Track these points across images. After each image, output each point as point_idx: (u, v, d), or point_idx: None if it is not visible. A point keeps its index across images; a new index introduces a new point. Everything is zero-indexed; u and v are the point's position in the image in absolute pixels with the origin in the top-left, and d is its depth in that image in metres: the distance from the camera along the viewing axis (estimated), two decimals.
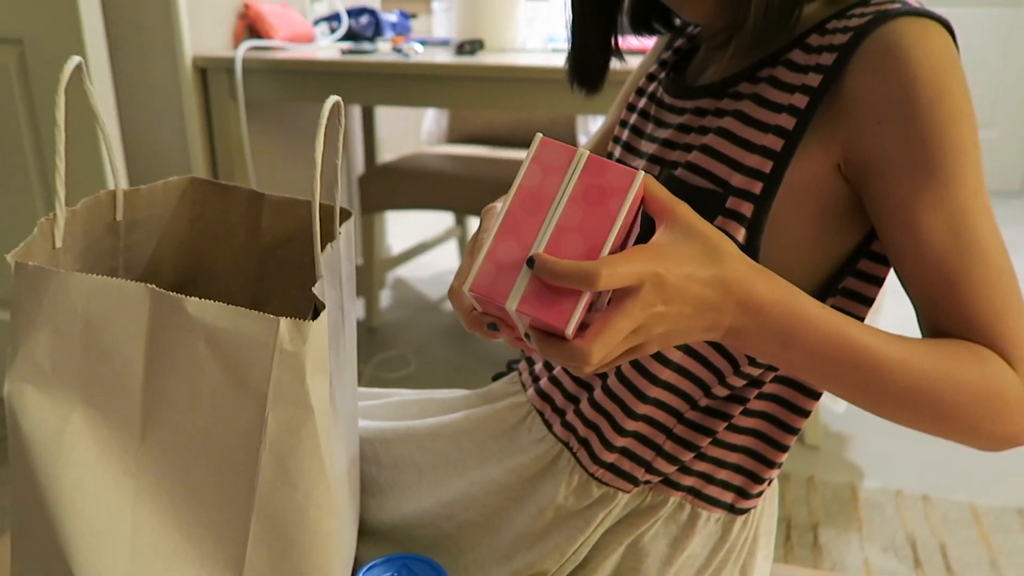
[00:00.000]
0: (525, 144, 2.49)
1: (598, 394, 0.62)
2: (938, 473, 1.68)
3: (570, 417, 0.64)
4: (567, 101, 1.58)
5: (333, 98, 0.49)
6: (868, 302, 0.58)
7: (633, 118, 0.69)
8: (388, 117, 3.10)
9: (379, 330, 2.33)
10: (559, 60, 1.63)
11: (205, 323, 0.42)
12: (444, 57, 1.72)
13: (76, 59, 0.47)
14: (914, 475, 1.67)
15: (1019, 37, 3.77)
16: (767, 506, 0.67)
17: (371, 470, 0.71)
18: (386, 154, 2.94)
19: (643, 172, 0.45)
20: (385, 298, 2.54)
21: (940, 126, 0.49)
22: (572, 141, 2.44)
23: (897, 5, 0.51)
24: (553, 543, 0.62)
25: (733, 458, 0.62)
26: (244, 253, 0.67)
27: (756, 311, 0.46)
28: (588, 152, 0.45)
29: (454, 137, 2.61)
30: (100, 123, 0.51)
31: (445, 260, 2.87)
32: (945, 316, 0.51)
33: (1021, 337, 0.50)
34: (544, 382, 0.67)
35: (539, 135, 0.45)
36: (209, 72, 1.80)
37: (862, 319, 0.57)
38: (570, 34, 0.66)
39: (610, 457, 0.61)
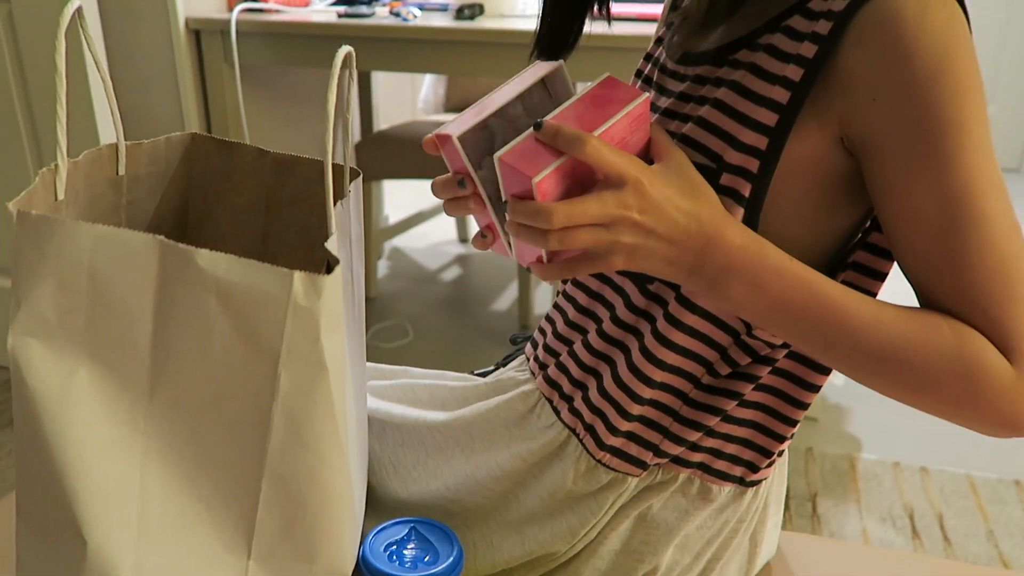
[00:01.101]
0: None
1: (607, 382, 0.61)
2: (936, 445, 1.69)
3: (577, 404, 0.63)
4: (568, 67, 1.56)
5: (345, 48, 0.47)
6: (881, 276, 0.56)
7: (639, 85, 0.67)
8: (385, 85, 3.05)
9: (376, 300, 2.31)
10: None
11: (216, 276, 0.40)
12: (443, 21, 1.68)
13: (77, 2, 0.45)
14: (912, 447, 1.68)
15: (1018, 12, 3.73)
16: (777, 475, 0.67)
17: (375, 446, 0.70)
18: (382, 123, 2.90)
19: (648, 94, 0.50)
20: (382, 268, 2.52)
21: (938, 104, 0.46)
22: None
23: None
24: (565, 524, 0.62)
25: (742, 432, 0.61)
26: (248, 212, 0.65)
27: (724, 251, 0.49)
28: (609, 74, 0.50)
29: (451, 106, 2.57)
30: (100, 72, 0.49)
31: (442, 230, 2.85)
32: (944, 299, 0.49)
33: (1016, 326, 0.47)
34: (552, 369, 0.66)
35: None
36: (203, 34, 1.76)
37: (874, 294, 0.56)
38: (541, 3, 0.63)
39: (615, 442, 0.61)
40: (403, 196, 3.03)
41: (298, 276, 0.40)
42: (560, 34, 0.64)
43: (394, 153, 2.13)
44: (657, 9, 1.54)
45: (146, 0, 1.71)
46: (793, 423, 0.61)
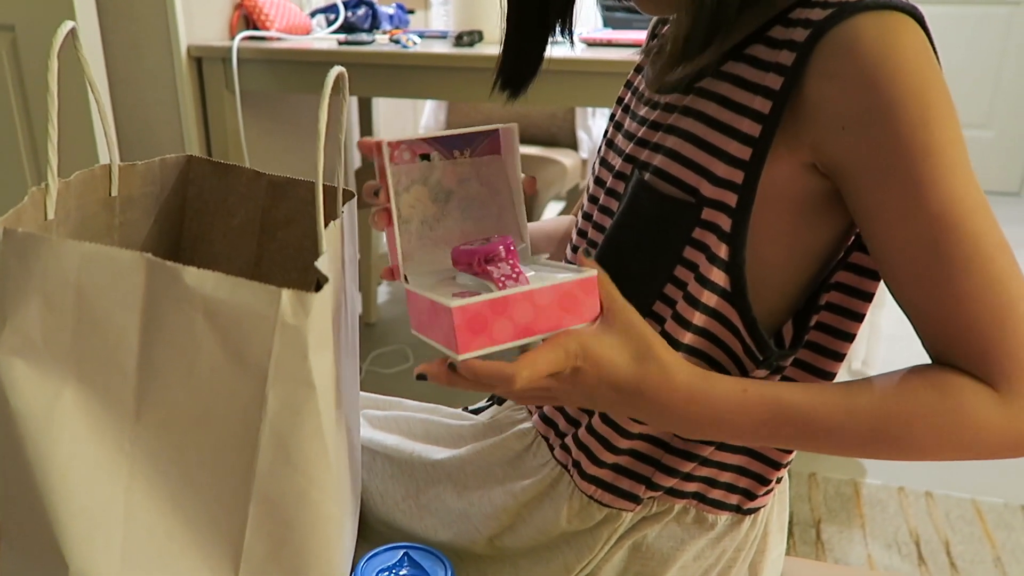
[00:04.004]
0: (523, 140, 2.47)
1: (595, 418, 0.60)
2: (940, 470, 1.67)
3: (569, 440, 0.62)
4: (565, 93, 1.57)
5: (337, 69, 0.47)
6: (867, 296, 0.55)
7: (619, 114, 0.66)
8: (386, 112, 3.08)
9: (376, 325, 2.31)
10: (558, 51, 1.61)
11: (204, 294, 0.40)
12: (442, 48, 1.70)
13: (69, 24, 0.45)
14: (916, 472, 1.66)
15: (1016, 36, 3.76)
16: (776, 504, 0.66)
17: (364, 475, 0.69)
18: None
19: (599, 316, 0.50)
20: (382, 293, 2.52)
21: (908, 130, 0.45)
22: (572, 139, 2.42)
23: None
24: (561, 560, 0.61)
25: (736, 460, 0.60)
26: (243, 234, 0.65)
27: (675, 412, 0.49)
28: (594, 274, 0.50)
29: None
30: (94, 92, 0.49)
31: None
32: (933, 326, 0.48)
33: (1009, 350, 0.46)
34: (548, 407, 0.65)
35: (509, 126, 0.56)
36: (204, 62, 1.78)
37: (862, 315, 0.55)
38: (505, 27, 0.64)
39: (600, 473, 0.60)
40: None
41: (286, 294, 0.40)
42: (522, 63, 0.64)
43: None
44: (632, 35, 1.56)
45: (149, 28, 1.73)
46: (788, 450, 0.60)
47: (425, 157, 0.56)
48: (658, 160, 0.55)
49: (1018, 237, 3.23)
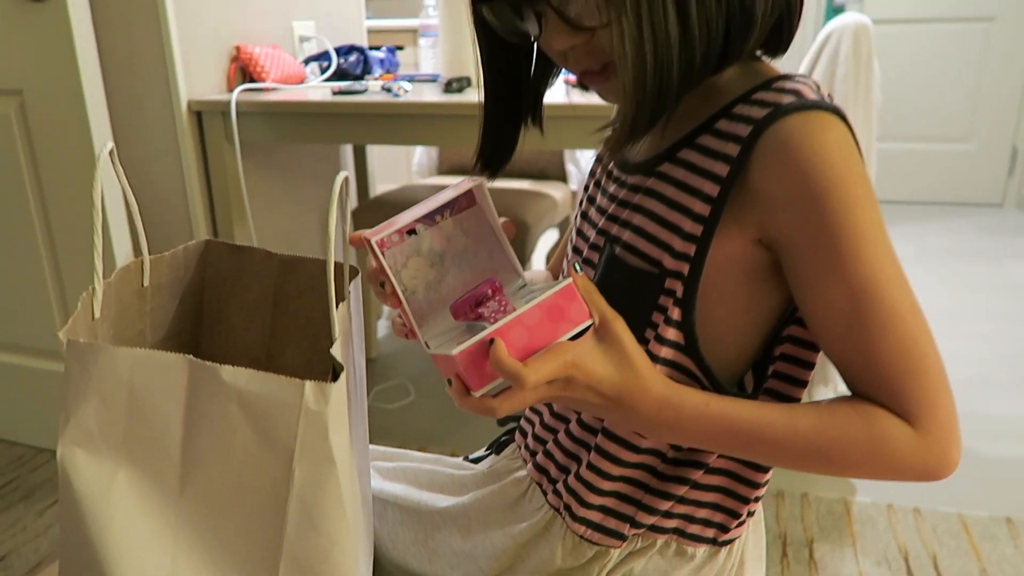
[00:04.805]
0: (514, 174, 2.55)
1: (583, 466, 0.67)
2: (927, 486, 1.72)
3: (560, 486, 0.69)
4: (553, 137, 1.63)
5: (343, 175, 0.53)
6: (815, 348, 0.62)
7: (591, 187, 0.74)
8: (380, 149, 3.15)
9: (377, 360, 2.37)
10: (558, 95, 1.68)
11: (238, 387, 0.46)
12: (432, 95, 1.77)
13: (110, 145, 0.51)
14: (904, 489, 1.72)
15: (994, 51, 3.86)
16: (751, 535, 0.72)
17: (375, 523, 0.76)
18: (378, 183, 2.99)
19: (591, 320, 0.55)
20: (382, 328, 2.58)
21: (834, 214, 0.53)
22: (561, 172, 2.50)
23: (791, 99, 0.54)
24: None
25: (710, 498, 0.67)
26: (258, 307, 0.71)
27: (645, 416, 0.56)
28: (571, 281, 0.55)
29: (444, 168, 2.66)
30: (128, 200, 0.56)
31: None
32: (855, 374, 0.56)
33: (919, 396, 0.54)
34: (540, 456, 0.72)
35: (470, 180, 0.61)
36: (205, 115, 1.85)
37: (812, 363, 0.63)
38: (482, 118, 0.70)
39: (589, 515, 0.66)
40: None
41: (309, 385, 0.46)
42: (499, 149, 0.71)
43: (390, 217, 2.21)
44: None
45: (150, 84, 1.80)
46: (757, 485, 0.66)
47: (412, 232, 0.63)
48: (627, 236, 0.62)
49: (1001, 248, 3.32)
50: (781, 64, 0.65)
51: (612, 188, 0.68)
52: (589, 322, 0.55)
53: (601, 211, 0.68)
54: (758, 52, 0.62)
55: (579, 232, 0.72)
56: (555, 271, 0.86)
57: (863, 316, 0.54)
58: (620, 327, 0.55)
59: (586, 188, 0.75)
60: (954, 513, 1.63)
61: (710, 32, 0.54)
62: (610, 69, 0.60)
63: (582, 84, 0.69)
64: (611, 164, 0.71)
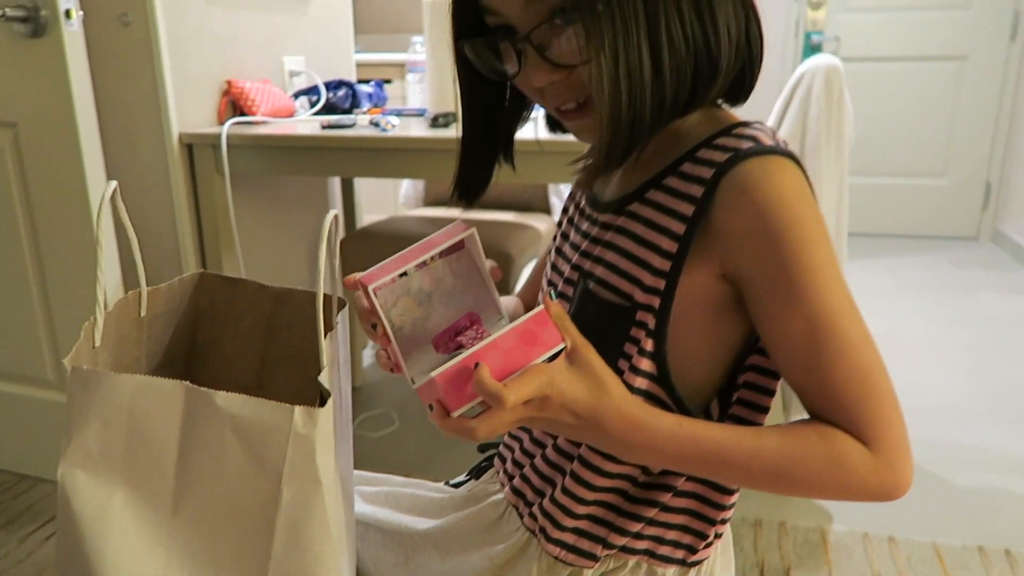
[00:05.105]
0: (499, 206, 2.60)
1: (558, 490, 0.70)
2: (902, 515, 1.76)
3: (535, 509, 0.72)
4: (537, 171, 1.69)
5: (332, 212, 0.57)
6: (776, 376, 0.66)
7: (564, 224, 0.78)
8: (367, 180, 3.20)
9: (362, 389, 2.39)
10: (528, 132, 1.74)
11: (231, 412, 0.49)
12: (419, 130, 1.81)
13: (113, 184, 0.55)
14: (880, 517, 1.75)
15: (966, 89, 3.98)
16: (720, 556, 0.75)
17: (358, 545, 0.78)
18: (366, 214, 3.03)
19: (564, 344, 0.58)
20: (367, 357, 2.60)
21: (790, 251, 0.57)
22: (544, 204, 2.55)
23: (749, 144, 0.59)
24: None
25: (679, 520, 0.70)
26: (250, 337, 0.74)
27: (619, 438, 0.59)
28: (543, 307, 0.58)
29: (431, 200, 2.71)
30: (129, 236, 0.59)
31: None
32: (813, 400, 0.60)
33: (873, 419, 0.58)
34: (517, 480, 0.75)
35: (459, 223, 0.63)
36: (195, 147, 1.88)
37: (773, 391, 0.67)
38: (459, 151, 0.74)
39: (564, 537, 0.69)
40: None
41: (298, 410, 0.49)
42: (474, 180, 0.75)
43: (377, 248, 2.24)
44: None
45: (142, 117, 1.84)
46: (723, 507, 0.70)
47: (403, 274, 0.67)
48: (599, 271, 0.66)
49: (976, 281, 3.40)
50: (760, 99, 0.70)
51: (585, 226, 0.72)
52: (561, 346, 0.58)
53: (575, 247, 0.72)
54: (720, 100, 0.66)
55: (554, 267, 0.76)
56: (526, 301, 0.90)
57: (819, 345, 0.58)
58: (591, 352, 0.59)
59: (559, 225, 0.79)
60: (928, 542, 1.66)
61: (679, 76, 0.59)
62: (587, 105, 0.64)
63: (552, 124, 0.73)
64: (584, 202, 0.75)
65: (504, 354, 0.56)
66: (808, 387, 0.60)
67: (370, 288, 0.61)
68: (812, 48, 4.03)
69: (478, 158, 0.74)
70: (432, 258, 0.68)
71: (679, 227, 0.62)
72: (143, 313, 0.64)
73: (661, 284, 0.62)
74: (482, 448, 0.86)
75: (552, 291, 0.60)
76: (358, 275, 0.62)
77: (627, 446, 0.60)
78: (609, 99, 0.58)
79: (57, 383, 1.78)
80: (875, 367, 0.58)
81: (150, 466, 0.50)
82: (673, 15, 0.57)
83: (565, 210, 0.79)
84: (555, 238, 0.79)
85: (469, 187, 0.75)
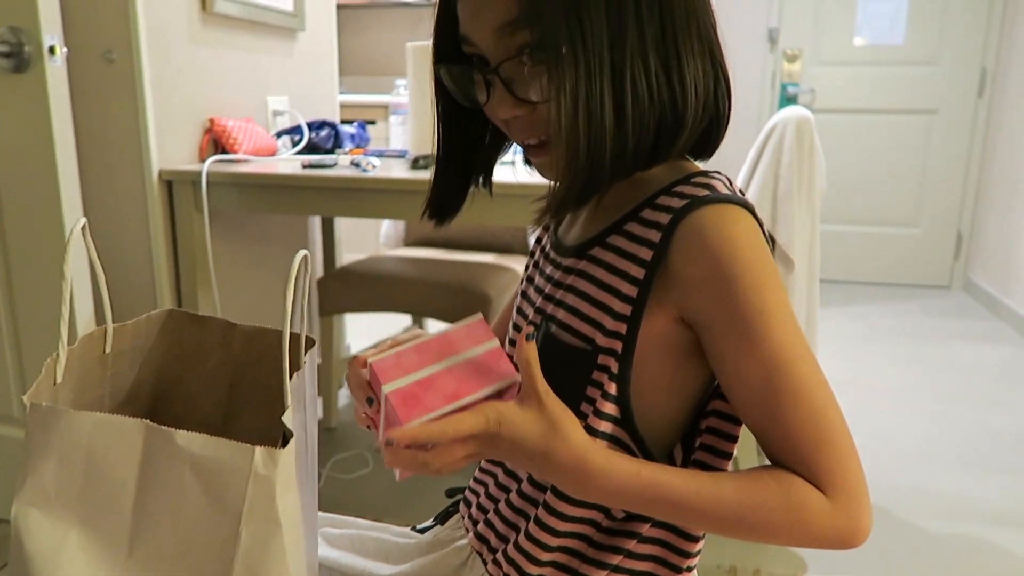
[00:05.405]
0: (478, 247, 2.61)
1: (521, 536, 0.70)
2: (874, 563, 1.76)
3: (499, 555, 0.71)
4: (517, 213, 1.70)
5: (302, 253, 0.57)
6: (738, 422, 0.67)
7: (530, 268, 0.79)
8: (348, 219, 3.21)
9: (337, 430, 2.36)
10: (508, 175, 1.76)
11: (192, 452, 0.49)
12: (400, 171, 1.83)
13: (82, 220, 0.55)
14: (853, 565, 1.75)
15: (936, 141, 4.09)
16: None
17: None
18: (345, 253, 3.03)
19: (516, 378, 0.60)
20: (342, 397, 2.58)
21: (744, 295, 0.58)
22: (524, 246, 2.56)
23: (706, 192, 0.60)
24: None
25: (644, 567, 0.69)
26: (216, 375, 0.74)
27: (572, 481, 0.59)
28: (496, 344, 0.60)
29: (410, 240, 2.72)
30: (96, 272, 0.59)
31: None
32: (771, 444, 0.60)
33: (830, 466, 0.58)
34: (481, 525, 0.75)
35: (479, 315, 0.63)
36: (175, 184, 1.89)
37: (735, 436, 0.67)
38: (435, 168, 0.74)
39: None
40: (363, 324, 3.13)
41: (259, 451, 0.49)
42: (447, 201, 0.75)
43: (355, 288, 2.25)
44: None
45: (122, 153, 1.85)
46: (689, 555, 0.70)
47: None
48: (561, 315, 0.67)
49: (949, 329, 3.45)
50: (736, 148, 0.71)
51: (549, 269, 0.73)
52: (514, 380, 0.59)
53: (539, 291, 0.73)
54: (686, 155, 0.68)
55: (519, 310, 0.77)
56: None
57: (775, 390, 0.58)
58: (548, 395, 0.59)
59: (526, 268, 0.80)
60: None
61: (642, 128, 0.60)
62: (548, 144, 0.65)
63: (528, 159, 0.74)
64: (548, 246, 0.76)
65: (456, 380, 0.58)
66: (766, 431, 0.60)
67: (387, 391, 0.58)
68: (788, 99, 4.13)
69: (452, 180, 0.74)
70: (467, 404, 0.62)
71: (639, 271, 0.63)
72: (108, 350, 0.63)
73: (623, 328, 0.63)
74: (449, 493, 0.86)
75: (530, 331, 0.60)
76: (372, 359, 0.61)
77: (582, 489, 0.60)
78: (565, 141, 0.59)
79: (24, 420, 1.75)
80: (831, 411, 0.58)
81: (106, 505, 0.49)
82: (639, 67, 0.59)
83: (532, 254, 0.80)
84: (522, 281, 0.80)
85: (442, 207, 0.76)
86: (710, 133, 0.66)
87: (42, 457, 0.48)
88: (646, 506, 0.60)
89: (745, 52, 4.13)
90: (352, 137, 2.34)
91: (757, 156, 1.80)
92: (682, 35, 0.61)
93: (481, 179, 0.77)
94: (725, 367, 0.61)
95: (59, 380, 0.55)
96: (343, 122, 2.42)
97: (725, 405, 0.67)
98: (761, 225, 0.61)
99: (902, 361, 3.06)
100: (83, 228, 0.56)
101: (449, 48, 0.68)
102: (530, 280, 0.77)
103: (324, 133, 2.27)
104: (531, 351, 0.59)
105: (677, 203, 0.61)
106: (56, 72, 1.56)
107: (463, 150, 0.74)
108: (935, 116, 4.07)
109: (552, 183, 0.63)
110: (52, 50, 1.53)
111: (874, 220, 4.27)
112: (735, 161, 1.77)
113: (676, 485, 0.59)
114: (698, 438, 0.67)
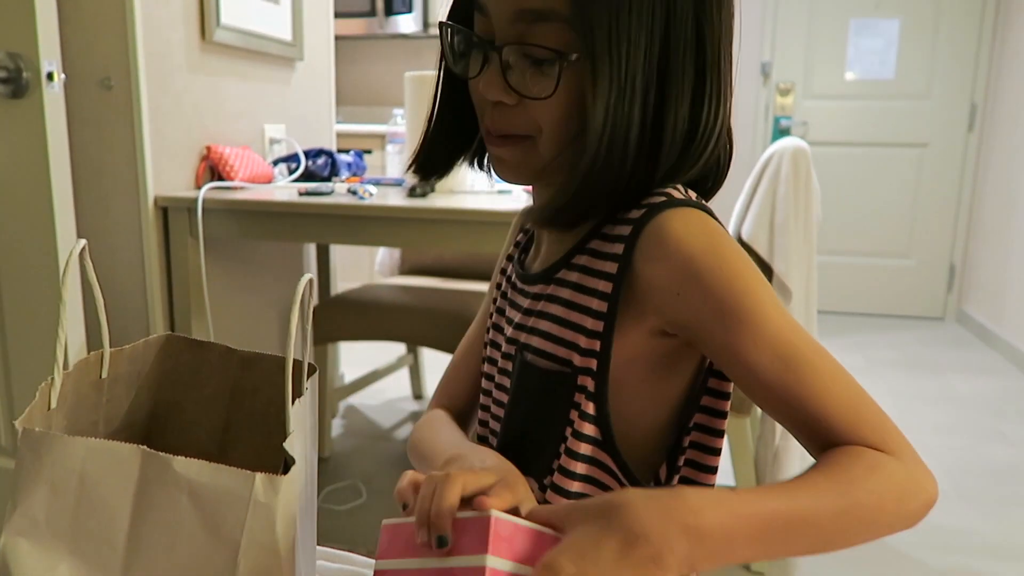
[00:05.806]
0: (474, 276, 2.61)
1: None
2: None
3: None
4: (478, 239, 1.70)
5: (307, 277, 0.56)
6: (720, 434, 0.66)
7: (499, 299, 0.77)
8: (343, 247, 3.21)
9: (330, 460, 2.33)
10: (505, 202, 1.76)
11: (189, 478, 0.47)
12: (396, 199, 1.83)
13: (82, 242, 0.54)
14: None
15: (927, 174, 4.12)
16: None
17: None
18: (340, 281, 3.01)
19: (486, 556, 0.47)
20: (336, 427, 2.55)
21: (728, 281, 0.57)
22: None
23: (663, 199, 0.60)
24: None
25: None
26: (213, 402, 0.72)
27: (689, 541, 0.46)
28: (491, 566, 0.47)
29: (406, 268, 2.71)
30: (96, 296, 0.58)
31: (397, 387, 2.90)
32: (808, 427, 0.56)
33: (884, 433, 0.54)
34: None
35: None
36: (170, 211, 1.88)
37: (718, 449, 0.66)
38: (427, 126, 0.72)
39: None
40: (359, 353, 3.11)
41: (259, 477, 0.48)
42: (433, 161, 0.73)
43: (351, 316, 2.23)
44: None
45: (119, 179, 1.84)
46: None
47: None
48: (535, 342, 0.66)
49: (943, 360, 3.45)
50: (731, 179, 0.70)
51: (517, 298, 0.72)
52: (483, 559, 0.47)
53: (509, 321, 0.72)
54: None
55: (492, 343, 0.75)
56: (459, 366, 0.83)
57: (790, 362, 0.55)
58: (572, 507, 0.49)
59: (494, 302, 0.78)
60: None
61: (660, 156, 0.61)
62: (524, 142, 0.63)
63: (476, 160, 0.73)
64: (514, 276, 0.74)
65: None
66: (795, 410, 0.56)
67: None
68: (780, 131, 4.17)
69: (442, 141, 0.72)
70: None
71: (606, 286, 0.62)
72: (104, 375, 0.62)
73: (597, 345, 0.62)
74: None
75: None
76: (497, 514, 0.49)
77: (728, 552, 0.48)
78: (591, 152, 0.58)
79: (12, 449, 1.72)
80: (849, 380, 0.56)
81: (99, 535, 0.47)
82: (672, 99, 0.59)
83: (498, 286, 0.78)
84: (490, 315, 0.77)
85: (426, 165, 0.73)
86: (708, 178, 0.66)
87: (33, 485, 0.46)
88: (756, 543, 0.49)
89: (739, 85, 4.17)
90: (349, 165, 2.34)
91: (753, 187, 1.80)
92: (711, 72, 0.61)
93: (476, 161, 0.74)
94: (734, 364, 0.58)
95: (53, 405, 0.53)
96: (340, 151, 2.43)
97: (707, 419, 0.65)
98: (721, 224, 0.60)
99: (898, 392, 3.06)
100: (83, 250, 0.55)
101: (462, 10, 0.67)
102: (500, 311, 0.75)
103: (321, 161, 2.27)
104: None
105: (636, 214, 0.61)
106: (53, 98, 1.56)
107: (457, 115, 0.71)
108: (926, 149, 4.11)
109: (555, 188, 0.62)
110: (50, 76, 1.53)
111: (867, 252, 4.28)
112: (729, 192, 1.78)
113: (772, 504, 0.49)
114: (682, 455, 0.66)
